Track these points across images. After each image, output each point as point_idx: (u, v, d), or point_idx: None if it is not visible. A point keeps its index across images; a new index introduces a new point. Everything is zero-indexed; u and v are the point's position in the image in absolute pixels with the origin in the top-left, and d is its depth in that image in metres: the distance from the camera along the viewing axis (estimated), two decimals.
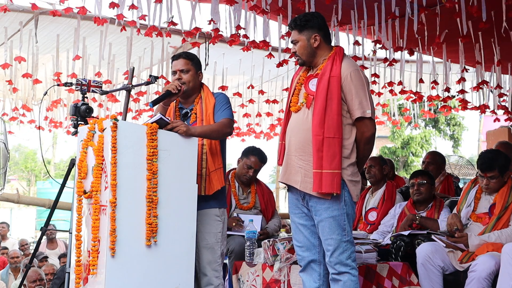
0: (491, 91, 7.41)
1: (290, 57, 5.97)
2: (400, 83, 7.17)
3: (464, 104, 7.54)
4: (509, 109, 7.80)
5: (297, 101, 3.47)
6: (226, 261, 4.72)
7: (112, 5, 4.89)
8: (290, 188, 3.52)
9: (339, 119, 3.31)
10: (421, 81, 7.18)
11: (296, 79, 3.56)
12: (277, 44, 5.83)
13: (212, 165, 3.68)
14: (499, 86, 7.12)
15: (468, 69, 6.66)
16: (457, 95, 7.51)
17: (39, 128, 5.86)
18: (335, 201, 3.32)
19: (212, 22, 5.09)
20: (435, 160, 6.01)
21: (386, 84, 7.30)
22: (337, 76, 3.34)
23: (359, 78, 3.37)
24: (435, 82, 7.21)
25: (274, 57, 5.92)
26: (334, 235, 3.33)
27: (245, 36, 5.39)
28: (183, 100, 3.85)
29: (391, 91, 7.60)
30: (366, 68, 6.65)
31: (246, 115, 9.31)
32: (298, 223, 3.51)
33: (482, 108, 7.68)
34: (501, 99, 7.43)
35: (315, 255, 3.47)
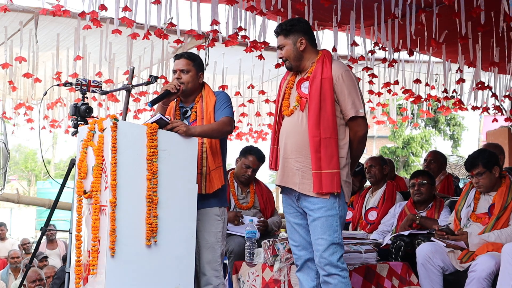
0: (491, 91, 7.41)
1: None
2: (396, 82, 7.19)
3: (459, 104, 7.56)
4: (506, 110, 7.82)
5: (288, 105, 3.51)
6: (226, 261, 4.72)
7: (101, 7, 4.89)
8: (284, 190, 3.54)
9: (334, 120, 3.36)
10: (417, 81, 7.18)
11: (284, 84, 3.59)
12: (276, 44, 5.83)
13: (212, 164, 3.69)
14: (489, 87, 7.11)
15: (463, 70, 6.67)
16: (456, 95, 7.53)
17: (39, 128, 5.87)
18: (329, 201, 3.34)
19: (213, 24, 5.09)
20: (437, 158, 6.02)
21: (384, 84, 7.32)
22: (329, 78, 3.39)
23: (350, 78, 3.43)
24: (427, 84, 7.22)
25: (264, 58, 5.93)
26: (325, 235, 3.34)
27: (245, 37, 5.39)
28: (184, 99, 3.85)
29: (389, 91, 7.61)
30: (371, 68, 6.66)
31: (243, 114, 9.32)
32: (294, 222, 3.52)
33: (485, 109, 7.71)
34: (499, 99, 7.45)
35: (311, 254, 3.47)
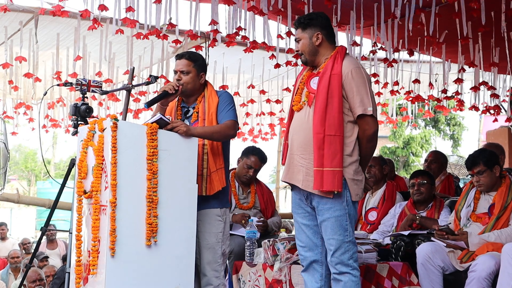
0: (493, 93, 7.41)
1: (294, 57, 5.97)
2: (396, 83, 7.18)
3: (460, 104, 7.56)
4: (506, 109, 7.82)
5: (299, 100, 3.47)
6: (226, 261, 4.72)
7: (101, 7, 4.89)
8: (293, 188, 3.52)
9: (340, 117, 3.31)
10: (416, 81, 7.17)
11: (299, 79, 3.57)
12: (277, 44, 5.83)
13: (213, 166, 3.66)
14: (492, 87, 7.11)
15: (466, 69, 6.67)
16: (455, 96, 7.53)
17: (39, 127, 5.86)
18: (337, 201, 3.32)
19: (211, 24, 5.09)
20: (438, 158, 6.01)
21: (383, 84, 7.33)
22: (338, 74, 3.35)
23: (361, 75, 3.37)
24: (430, 84, 7.22)
25: (275, 57, 5.93)
26: (336, 235, 3.33)
27: (244, 37, 5.39)
28: (185, 98, 3.82)
29: (393, 93, 7.61)
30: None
31: (247, 114, 9.33)
32: (301, 223, 3.51)
33: (486, 109, 7.70)
34: (501, 99, 7.45)
35: (317, 256, 3.47)
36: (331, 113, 3.31)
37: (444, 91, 7.34)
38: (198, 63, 3.78)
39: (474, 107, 7.58)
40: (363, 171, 3.44)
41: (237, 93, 8.25)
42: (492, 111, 7.52)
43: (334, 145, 3.28)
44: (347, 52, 3.51)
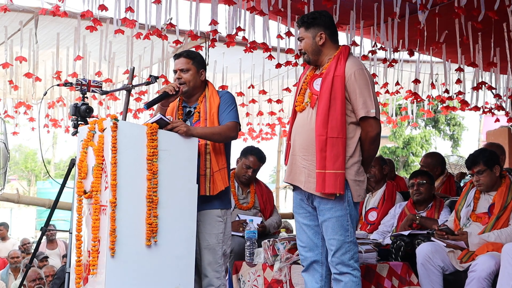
0: (492, 92, 7.41)
1: (295, 57, 5.96)
2: (398, 83, 7.17)
3: (463, 105, 7.55)
4: (507, 110, 7.82)
5: (302, 101, 3.47)
6: None
7: (101, 7, 4.89)
8: (295, 188, 3.52)
9: (342, 119, 3.31)
10: (416, 81, 7.18)
11: (302, 79, 3.56)
12: (276, 44, 5.83)
13: (215, 165, 3.65)
14: (491, 87, 7.11)
15: (463, 69, 6.67)
16: (456, 95, 7.53)
17: (39, 127, 5.86)
18: (338, 202, 3.32)
19: (212, 24, 5.08)
20: (427, 163, 5.98)
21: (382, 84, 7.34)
22: (341, 76, 3.34)
23: (364, 77, 3.36)
24: (432, 84, 7.22)
25: (274, 58, 5.93)
26: (337, 235, 3.33)
27: (243, 38, 5.38)
28: (187, 99, 3.82)
29: (387, 91, 7.62)
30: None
31: (247, 114, 9.34)
32: (302, 223, 3.51)
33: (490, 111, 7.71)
34: (500, 100, 7.45)
35: (317, 256, 3.47)
36: (334, 115, 3.30)
37: (447, 91, 7.34)
38: (196, 60, 3.78)
39: (475, 107, 7.58)
40: (365, 172, 3.43)
41: (241, 93, 8.24)
42: (495, 111, 7.54)
43: (336, 147, 3.28)
44: (351, 52, 3.50)
